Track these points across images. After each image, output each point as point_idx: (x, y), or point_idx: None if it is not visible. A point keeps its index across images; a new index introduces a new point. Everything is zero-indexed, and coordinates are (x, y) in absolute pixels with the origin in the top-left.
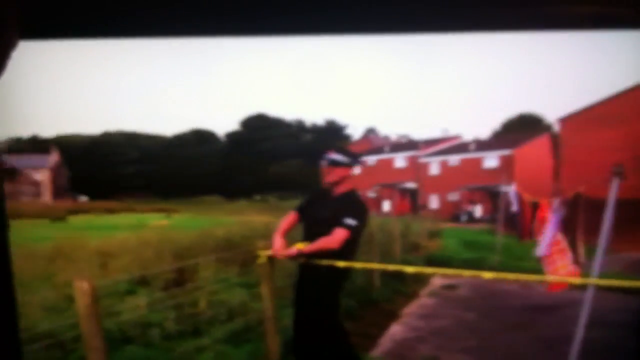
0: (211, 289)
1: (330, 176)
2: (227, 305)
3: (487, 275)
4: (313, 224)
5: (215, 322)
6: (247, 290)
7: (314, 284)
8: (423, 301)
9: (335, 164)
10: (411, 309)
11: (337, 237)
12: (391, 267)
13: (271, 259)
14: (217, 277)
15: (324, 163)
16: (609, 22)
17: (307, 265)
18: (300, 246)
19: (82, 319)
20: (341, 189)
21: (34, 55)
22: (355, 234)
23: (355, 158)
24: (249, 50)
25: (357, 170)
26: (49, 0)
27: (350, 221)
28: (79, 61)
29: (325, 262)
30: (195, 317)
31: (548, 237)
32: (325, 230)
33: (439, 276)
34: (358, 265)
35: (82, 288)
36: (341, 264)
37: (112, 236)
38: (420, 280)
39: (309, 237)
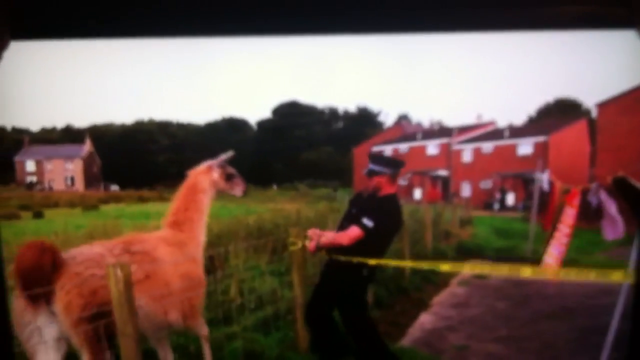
0: (242, 276)
1: (370, 186)
2: (257, 293)
3: (525, 272)
4: (344, 219)
5: (246, 309)
6: (278, 278)
7: (334, 280)
8: (453, 290)
9: (372, 173)
10: (441, 298)
11: (348, 233)
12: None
13: (304, 247)
14: (248, 265)
15: (365, 173)
16: (604, 22)
17: (330, 262)
18: (322, 239)
19: (116, 305)
20: (382, 193)
21: (66, 50)
22: (370, 236)
23: (391, 166)
24: (279, 38)
25: (395, 174)
26: (40, 1)
27: (367, 222)
28: (110, 54)
29: (343, 258)
30: (225, 305)
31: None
32: (347, 227)
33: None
34: (372, 261)
35: (116, 274)
36: (372, 261)
37: (144, 224)
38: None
39: (339, 230)
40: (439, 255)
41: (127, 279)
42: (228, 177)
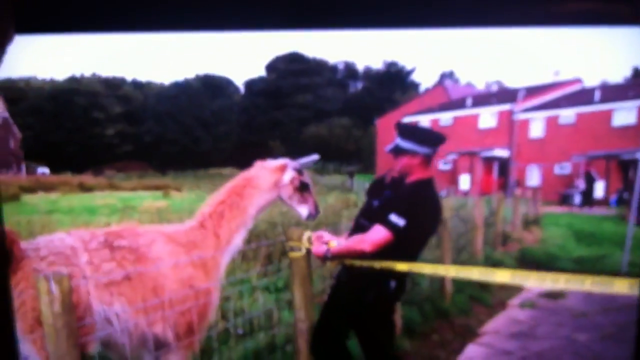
0: (226, 293)
1: (395, 169)
2: (246, 315)
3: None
4: (361, 216)
5: (231, 337)
6: (274, 296)
7: (350, 297)
8: (513, 314)
9: (400, 151)
10: (496, 325)
11: (372, 237)
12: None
13: (309, 253)
14: (234, 278)
15: (389, 149)
16: (607, 19)
17: (344, 273)
18: (333, 244)
19: (49, 333)
20: (412, 178)
21: None
22: (402, 238)
23: (426, 142)
24: None
25: (431, 154)
26: None
27: (396, 219)
28: None
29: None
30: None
31: None
32: (368, 227)
33: (535, 279)
34: (402, 266)
35: (50, 291)
36: (401, 266)
37: (88, 223)
38: (508, 285)
39: (354, 232)
40: (493, 267)
41: (66, 297)
42: (301, 188)
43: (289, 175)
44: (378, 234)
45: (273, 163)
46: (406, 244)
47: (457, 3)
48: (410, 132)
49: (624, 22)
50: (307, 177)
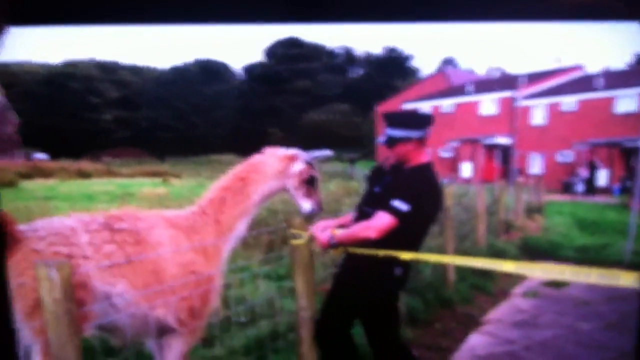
0: (227, 281)
1: (392, 157)
2: (247, 303)
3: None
4: (362, 203)
5: (232, 326)
6: (275, 284)
7: (354, 285)
8: (516, 303)
9: (393, 141)
10: (499, 314)
11: (376, 223)
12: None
13: (311, 240)
14: (235, 266)
15: (382, 141)
16: (603, 13)
17: (348, 260)
18: (338, 232)
19: (49, 320)
20: (411, 164)
21: None
22: (406, 223)
23: (416, 125)
24: None
25: (424, 136)
26: None
27: (400, 204)
28: None
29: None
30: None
31: None
32: (371, 214)
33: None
34: (406, 255)
35: (50, 277)
36: (405, 255)
37: (87, 209)
38: (512, 273)
39: (357, 220)
40: (496, 255)
41: (67, 284)
42: (308, 181)
43: (298, 165)
44: (382, 220)
45: (284, 151)
46: (410, 229)
47: None
48: (398, 119)
49: (622, 18)
50: (317, 172)
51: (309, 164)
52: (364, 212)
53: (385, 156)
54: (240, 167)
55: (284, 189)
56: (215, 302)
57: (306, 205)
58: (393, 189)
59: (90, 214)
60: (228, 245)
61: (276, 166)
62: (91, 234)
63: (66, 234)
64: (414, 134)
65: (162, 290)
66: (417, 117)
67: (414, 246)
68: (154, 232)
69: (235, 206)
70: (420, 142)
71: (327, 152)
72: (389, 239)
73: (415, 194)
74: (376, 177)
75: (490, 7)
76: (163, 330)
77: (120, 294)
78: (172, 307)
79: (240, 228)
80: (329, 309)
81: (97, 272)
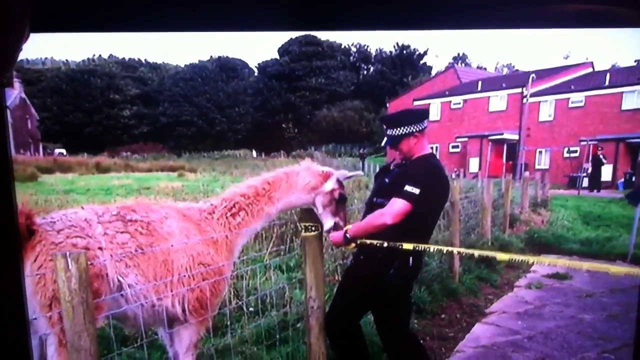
0: (238, 272)
1: (398, 156)
2: (259, 293)
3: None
4: (373, 196)
5: (243, 315)
6: (286, 275)
7: (367, 275)
8: (521, 294)
9: (395, 141)
10: (504, 305)
11: (390, 208)
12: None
13: (321, 233)
14: (247, 258)
15: (385, 144)
16: (611, 20)
17: (360, 252)
18: (348, 227)
19: (66, 310)
20: (414, 154)
21: None
22: (418, 207)
23: (412, 120)
24: None
25: (421, 128)
26: None
27: (411, 188)
28: None
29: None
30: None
31: None
32: (382, 205)
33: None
34: (408, 246)
35: (67, 267)
36: (407, 246)
37: (105, 203)
38: (517, 266)
39: (369, 212)
40: (502, 248)
41: (83, 274)
42: (338, 200)
43: (331, 184)
44: (396, 205)
45: (320, 167)
46: (421, 215)
47: (462, 4)
48: (393, 119)
49: (630, 24)
50: (344, 192)
51: (340, 183)
52: (376, 204)
53: (392, 157)
54: (273, 173)
55: (311, 204)
56: (223, 293)
57: (330, 223)
58: (402, 177)
59: (104, 206)
60: (241, 240)
61: (309, 180)
62: (104, 224)
63: (82, 225)
64: (411, 128)
65: (171, 281)
66: (410, 112)
67: (425, 234)
68: (166, 223)
69: (257, 208)
70: (420, 134)
71: (360, 173)
72: (402, 227)
73: (424, 178)
74: (385, 172)
75: (500, 13)
76: (172, 320)
77: (132, 285)
78: (181, 297)
79: (256, 226)
80: (340, 301)
81: (111, 263)
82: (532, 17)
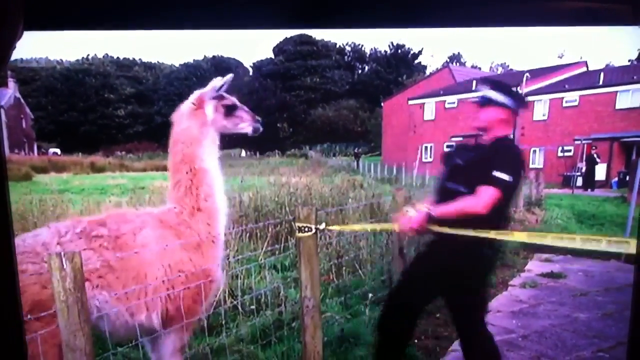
0: (233, 271)
1: (478, 119)
2: (253, 292)
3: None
4: (445, 180)
5: (238, 315)
6: (281, 274)
7: (442, 267)
8: (515, 293)
9: (488, 103)
10: (498, 304)
11: (483, 198)
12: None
13: (317, 233)
14: (241, 257)
15: (474, 101)
16: (606, 18)
17: (436, 242)
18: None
19: (60, 310)
20: (490, 136)
21: None
22: (506, 194)
23: (516, 97)
24: None
25: (517, 114)
26: None
27: (502, 175)
28: None
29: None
30: (211, 309)
31: None
32: (461, 192)
33: (537, 260)
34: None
35: (61, 267)
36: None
37: (99, 202)
38: (511, 264)
39: (441, 198)
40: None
41: (78, 273)
42: (228, 111)
43: (209, 107)
44: (488, 193)
45: (185, 105)
46: (506, 201)
47: (456, 3)
48: (499, 84)
49: (625, 22)
50: (229, 98)
51: (218, 97)
52: (449, 190)
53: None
54: (170, 146)
55: (222, 131)
56: (212, 294)
57: (247, 129)
58: (488, 161)
59: (72, 221)
60: (220, 229)
61: (192, 123)
62: (64, 245)
63: (37, 250)
64: (511, 103)
65: (145, 294)
66: (518, 93)
67: (506, 220)
68: (140, 234)
69: (206, 187)
70: (511, 115)
71: (226, 78)
72: (488, 214)
73: (513, 163)
74: (457, 153)
75: (495, 12)
76: (152, 331)
77: (101, 305)
78: (158, 309)
79: (221, 205)
80: (406, 291)
81: None
82: (527, 15)
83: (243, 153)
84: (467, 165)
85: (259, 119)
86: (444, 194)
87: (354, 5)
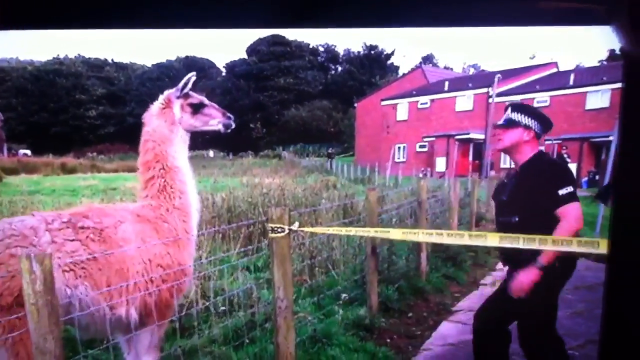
0: (204, 273)
1: (499, 141)
2: (226, 293)
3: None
4: (498, 216)
5: (211, 316)
6: (253, 275)
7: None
8: (486, 292)
9: (510, 124)
10: (470, 302)
11: (574, 215)
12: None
13: (290, 233)
14: (214, 258)
15: (496, 125)
16: (580, 19)
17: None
18: (540, 262)
19: (31, 312)
20: (523, 158)
21: None
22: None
23: (542, 120)
24: None
25: (538, 134)
26: None
27: (567, 189)
28: None
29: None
30: (184, 309)
31: None
32: (517, 221)
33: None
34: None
35: (31, 269)
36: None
37: (70, 204)
38: (483, 264)
39: (500, 229)
40: (468, 247)
41: (48, 276)
42: (195, 109)
43: (177, 107)
44: (574, 211)
45: (154, 106)
46: None
47: (439, 2)
48: (519, 106)
49: (598, 22)
50: (196, 96)
51: (184, 96)
52: (501, 223)
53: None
54: (141, 146)
55: (192, 129)
56: (186, 289)
57: (217, 126)
58: (540, 182)
59: (55, 212)
60: (194, 224)
61: (162, 122)
62: (53, 232)
63: (26, 234)
64: (535, 125)
65: (126, 289)
66: (541, 114)
67: None
68: (120, 228)
69: (179, 184)
70: (535, 137)
71: (189, 76)
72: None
73: (564, 173)
74: (501, 189)
75: (474, 12)
76: (129, 326)
77: (82, 296)
78: (137, 303)
79: (193, 201)
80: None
81: (59, 273)
82: (501, 15)
83: (211, 153)
84: (511, 198)
85: (230, 115)
86: (501, 228)
87: (329, 5)
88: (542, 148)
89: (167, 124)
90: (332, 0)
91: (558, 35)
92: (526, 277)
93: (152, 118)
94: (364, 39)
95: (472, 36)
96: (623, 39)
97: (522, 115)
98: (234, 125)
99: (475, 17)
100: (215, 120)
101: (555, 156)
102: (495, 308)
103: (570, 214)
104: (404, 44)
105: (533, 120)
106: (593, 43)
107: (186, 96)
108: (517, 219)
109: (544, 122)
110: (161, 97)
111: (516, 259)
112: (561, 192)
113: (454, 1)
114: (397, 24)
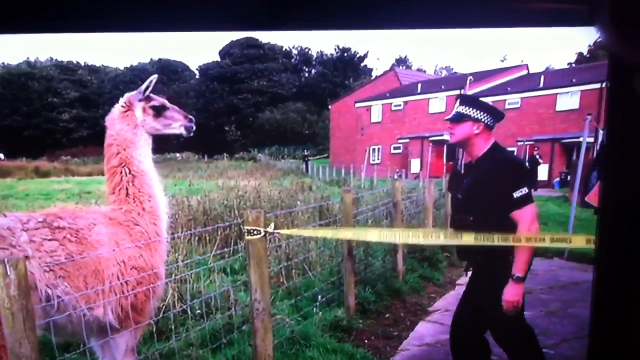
0: (181, 275)
1: (452, 135)
2: (203, 296)
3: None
4: (454, 212)
5: (188, 319)
6: (230, 277)
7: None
8: (462, 292)
9: (459, 118)
10: (447, 303)
11: (527, 219)
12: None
13: (266, 235)
14: (190, 260)
15: (446, 119)
16: (562, 19)
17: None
18: (517, 275)
19: (5, 317)
20: (477, 151)
21: None
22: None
23: (488, 111)
24: None
25: (490, 124)
26: None
27: (521, 192)
28: None
29: None
30: (160, 313)
31: None
32: (470, 221)
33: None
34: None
35: (5, 274)
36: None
37: (45, 207)
38: (459, 264)
39: (455, 227)
40: (442, 247)
41: (22, 280)
42: (157, 112)
43: (139, 109)
44: (528, 215)
45: (115, 109)
46: None
47: (416, 4)
48: (466, 98)
49: (580, 23)
50: (157, 99)
51: (145, 98)
52: (456, 221)
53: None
54: (105, 150)
55: (154, 132)
56: (160, 293)
57: (179, 129)
58: (493, 182)
59: (27, 213)
60: (164, 226)
61: (125, 126)
62: (30, 232)
63: (3, 234)
64: (484, 117)
65: (103, 290)
66: (490, 106)
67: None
68: (94, 230)
69: (147, 187)
70: (486, 129)
71: (151, 78)
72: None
73: (519, 173)
74: (455, 183)
75: (454, 14)
76: (105, 329)
77: (61, 296)
78: (113, 305)
79: (163, 208)
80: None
81: (40, 273)
82: (481, 16)
83: (178, 156)
84: (466, 197)
85: (192, 118)
86: (456, 226)
87: (304, 8)
88: (514, 150)
89: (130, 127)
90: (305, 3)
91: (529, 37)
92: (513, 294)
93: (115, 121)
94: (336, 42)
95: (444, 38)
96: (606, 39)
97: (470, 109)
98: (194, 128)
99: (451, 19)
100: (177, 123)
101: (527, 158)
102: (467, 315)
103: (525, 218)
104: (377, 47)
105: (482, 113)
106: (563, 45)
107: (148, 99)
108: (471, 218)
109: (493, 114)
110: (122, 100)
111: (479, 261)
112: (516, 194)
113: (432, 3)
114: (370, 26)
